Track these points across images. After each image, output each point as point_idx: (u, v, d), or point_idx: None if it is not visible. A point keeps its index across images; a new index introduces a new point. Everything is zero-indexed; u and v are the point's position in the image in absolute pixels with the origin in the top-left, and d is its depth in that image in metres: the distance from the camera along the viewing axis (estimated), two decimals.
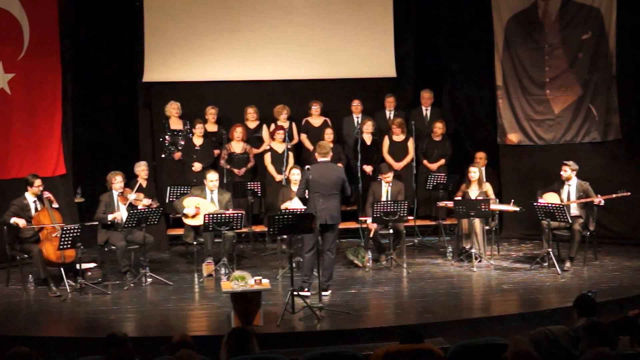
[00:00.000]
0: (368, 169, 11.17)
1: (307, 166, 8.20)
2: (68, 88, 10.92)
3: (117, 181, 9.33)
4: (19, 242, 8.89)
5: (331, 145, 10.37)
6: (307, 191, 8.25)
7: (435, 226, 11.32)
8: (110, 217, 9.17)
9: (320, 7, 12.20)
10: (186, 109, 11.66)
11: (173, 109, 11.46)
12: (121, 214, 9.24)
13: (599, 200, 9.25)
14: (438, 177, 10.81)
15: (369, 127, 11.32)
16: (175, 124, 11.49)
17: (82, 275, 8.75)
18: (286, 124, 11.49)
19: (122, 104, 12.17)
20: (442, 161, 11.44)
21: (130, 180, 9.94)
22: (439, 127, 11.40)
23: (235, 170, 11.10)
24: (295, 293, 7.64)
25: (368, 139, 11.35)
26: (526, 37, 11.20)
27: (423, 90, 11.92)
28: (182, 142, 11.36)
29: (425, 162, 11.44)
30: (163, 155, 11.48)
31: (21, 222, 8.76)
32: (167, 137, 11.42)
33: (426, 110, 11.93)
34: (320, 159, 8.37)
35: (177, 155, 11.34)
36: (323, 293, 7.96)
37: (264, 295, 7.45)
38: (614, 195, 9.26)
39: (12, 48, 10.19)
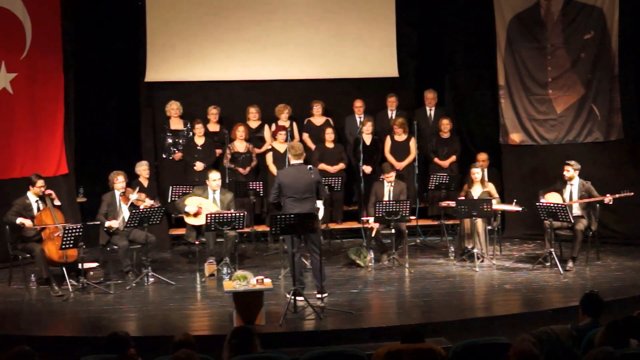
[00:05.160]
0: (367, 169, 11.17)
1: (309, 166, 8.17)
2: (70, 88, 10.92)
3: (118, 181, 9.33)
4: (21, 240, 8.89)
5: (321, 146, 10.37)
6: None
7: (437, 226, 11.30)
8: (107, 223, 9.13)
9: (323, 7, 12.18)
10: (188, 109, 11.67)
11: (172, 109, 11.44)
12: (118, 221, 9.19)
13: (608, 199, 9.24)
14: (441, 177, 10.80)
15: (368, 127, 11.31)
16: (176, 124, 11.48)
17: (84, 275, 8.76)
18: (287, 124, 11.49)
19: (124, 103, 12.19)
20: (453, 157, 11.42)
21: (132, 180, 9.94)
22: (445, 124, 11.38)
23: (240, 170, 11.10)
24: (289, 296, 7.64)
25: (368, 139, 11.35)
26: (528, 37, 11.18)
27: (427, 90, 11.90)
28: (182, 142, 11.34)
29: (436, 159, 11.42)
30: (164, 156, 11.47)
31: (27, 223, 8.77)
32: (168, 137, 11.42)
33: (430, 111, 11.92)
34: (293, 162, 8.11)
35: (178, 155, 11.33)
36: (317, 296, 7.91)
37: (266, 295, 7.45)
38: (617, 196, 9.24)
39: (14, 48, 10.19)
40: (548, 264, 9.30)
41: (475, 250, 9.53)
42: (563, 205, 9.06)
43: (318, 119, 11.78)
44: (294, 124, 11.74)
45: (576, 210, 9.41)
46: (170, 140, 11.39)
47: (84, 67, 11.29)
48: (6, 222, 8.88)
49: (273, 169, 11.05)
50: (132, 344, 5.00)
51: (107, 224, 9.13)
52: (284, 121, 11.48)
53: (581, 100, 10.93)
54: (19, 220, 8.76)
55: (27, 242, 8.85)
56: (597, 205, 9.40)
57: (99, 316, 7.83)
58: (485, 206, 9.34)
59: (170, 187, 10.38)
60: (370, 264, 9.63)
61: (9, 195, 9.46)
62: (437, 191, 10.88)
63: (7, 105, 10.16)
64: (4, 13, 10.09)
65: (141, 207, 9.32)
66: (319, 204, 8.28)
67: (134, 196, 9.36)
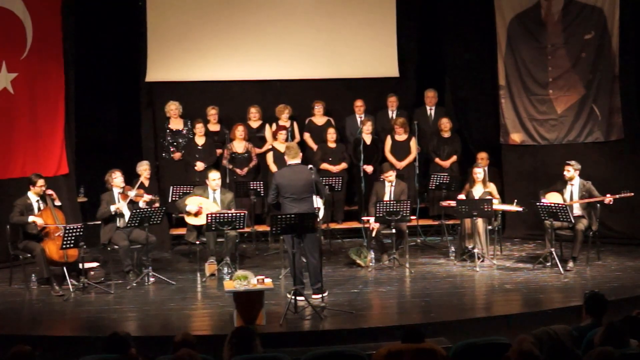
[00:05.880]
0: (369, 168, 11.19)
1: (309, 165, 8.18)
2: (71, 87, 10.91)
3: (116, 176, 9.32)
4: (24, 237, 8.87)
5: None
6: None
7: (437, 226, 11.30)
8: (113, 208, 9.16)
9: (323, 7, 12.19)
10: (189, 109, 11.67)
11: (171, 109, 11.44)
12: (123, 204, 9.24)
13: (608, 199, 9.23)
14: (441, 176, 10.81)
15: (368, 127, 11.33)
16: (175, 124, 11.47)
17: (84, 275, 8.76)
18: (287, 124, 11.50)
19: (125, 103, 12.18)
20: (454, 157, 11.43)
21: (132, 180, 9.93)
22: (445, 123, 11.40)
23: (238, 170, 11.11)
24: (289, 296, 7.68)
25: (368, 139, 11.36)
26: (529, 37, 11.18)
27: (427, 89, 11.91)
28: (181, 141, 11.33)
29: (437, 160, 11.43)
30: (164, 155, 11.47)
31: (39, 221, 8.77)
32: (167, 137, 11.41)
33: (430, 110, 11.93)
34: (289, 162, 8.11)
35: (177, 155, 11.32)
36: (313, 296, 7.93)
37: (266, 295, 7.45)
38: (617, 196, 9.24)
39: (15, 47, 10.19)
40: (548, 264, 9.30)
41: (475, 250, 9.53)
42: (563, 205, 9.06)
43: (319, 119, 11.79)
44: (295, 124, 11.74)
45: (577, 210, 9.41)
46: (170, 140, 11.39)
47: (84, 67, 11.28)
48: (15, 223, 8.85)
49: (274, 168, 11.03)
50: (133, 344, 5.01)
51: (112, 208, 9.15)
52: (284, 121, 11.49)
53: (581, 100, 10.93)
54: (31, 218, 8.77)
55: (30, 240, 8.84)
56: (598, 205, 9.40)
57: (99, 316, 7.83)
58: (485, 206, 9.34)
59: (171, 187, 10.39)
60: (370, 264, 9.63)
61: (9, 195, 9.47)
62: (438, 191, 10.89)
63: (8, 105, 10.16)
64: (4, 13, 10.10)
65: (140, 202, 9.34)
66: (320, 203, 8.28)
67: (132, 192, 9.35)
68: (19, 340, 5.62)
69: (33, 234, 8.84)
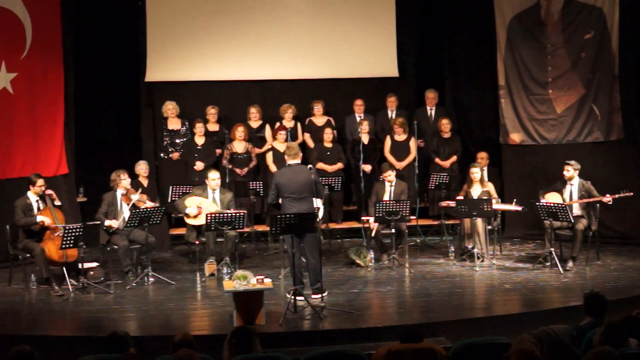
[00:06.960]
0: (366, 168, 11.20)
1: (309, 165, 8.18)
2: (70, 87, 10.92)
3: (124, 178, 9.30)
4: (27, 236, 8.85)
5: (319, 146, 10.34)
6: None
7: (437, 226, 11.30)
8: (107, 222, 9.12)
9: (323, 7, 12.20)
10: (189, 109, 11.67)
11: (169, 109, 11.44)
12: (118, 221, 9.19)
13: (608, 199, 9.24)
14: (441, 176, 10.81)
15: (365, 127, 11.34)
16: (173, 123, 11.47)
17: (84, 275, 8.76)
18: (291, 123, 11.51)
19: (124, 103, 12.19)
20: (454, 158, 11.45)
21: (131, 181, 9.93)
22: (445, 124, 11.41)
23: (238, 170, 11.11)
24: (289, 296, 7.67)
25: (365, 138, 11.37)
26: (529, 37, 11.18)
27: (427, 90, 11.91)
28: (179, 141, 11.33)
29: (437, 160, 11.44)
30: (162, 155, 11.47)
31: (47, 220, 8.77)
32: (165, 137, 11.41)
33: (431, 110, 11.93)
34: (289, 162, 8.12)
35: (175, 155, 11.32)
36: (312, 296, 7.93)
37: (266, 295, 7.45)
38: (616, 196, 9.25)
39: (14, 47, 10.20)
40: (548, 263, 9.30)
41: (475, 250, 9.53)
42: (563, 205, 9.06)
43: (319, 119, 11.79)
44: (298, 124, 11.74)
45: (576, 210, 9.42)
46: (168, 140, 11.39)
47: (84, 67, 11.29)
48: (24, 225, 8.83)
49: (273, 168, 11.04)
50: (132, 344, 5.01)
51: (106, 223, 9.13)
52: (288, 120, 11.49)
53: (581, 100, 10.93)
54: (40, 218, 8.77)
55: (29, 240, 8.83)
56: (597, 205, 9.41)
57: (99, 316, 7.83)
58: (485, 206, 9.34)
59: (171, 187, 10.38)
60: (370, 264, 9.63)
61: (9, 195, 9.47)
62: (438, 191, 10.89)
63: (7, 105, 10.16)
64: (4, 13, 10.09)
65: (141, 208, 9.32)
66: (319, 203, 8.28)
67: (135, 197, 9.35)
68: (19, 341, 5.63)
69: (33, 232, 8.83)
